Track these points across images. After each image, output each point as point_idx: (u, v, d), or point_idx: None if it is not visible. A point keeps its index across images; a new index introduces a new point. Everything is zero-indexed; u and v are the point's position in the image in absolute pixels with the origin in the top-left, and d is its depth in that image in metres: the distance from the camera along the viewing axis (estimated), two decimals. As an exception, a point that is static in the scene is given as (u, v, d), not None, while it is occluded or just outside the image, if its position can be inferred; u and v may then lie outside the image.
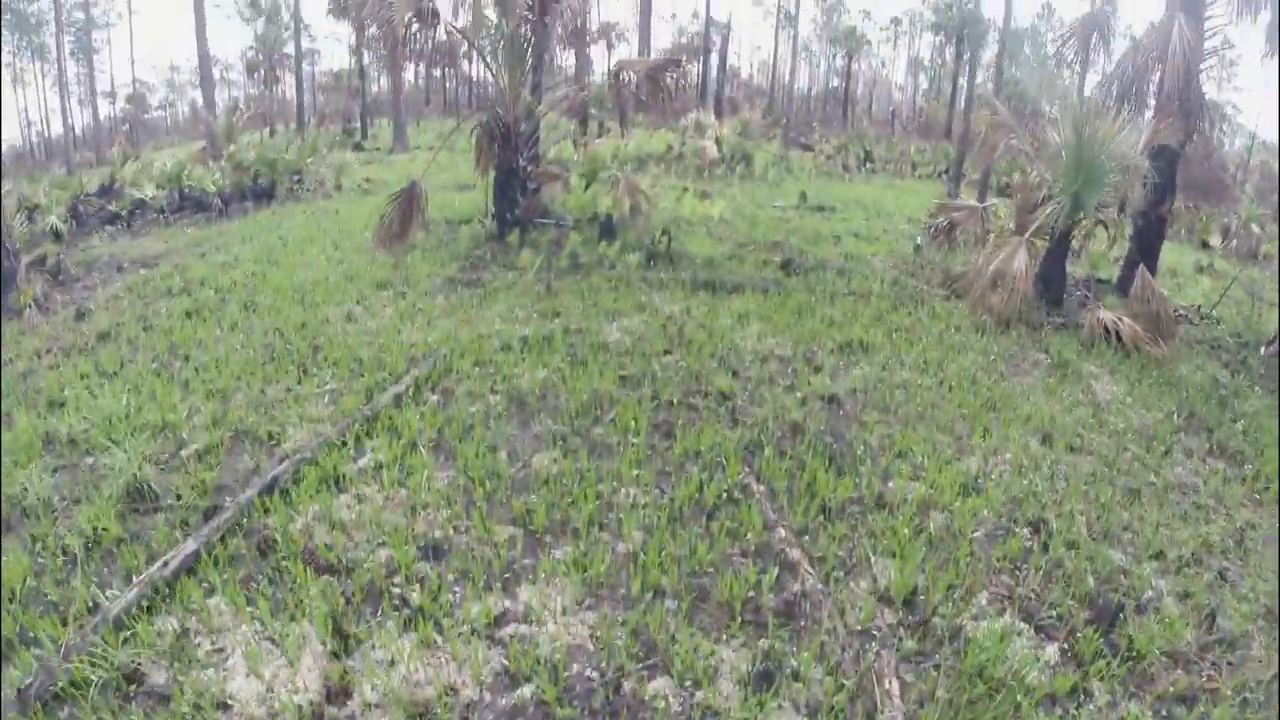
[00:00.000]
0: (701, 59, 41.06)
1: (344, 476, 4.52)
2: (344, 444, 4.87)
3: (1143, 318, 8.27)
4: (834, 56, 55.39)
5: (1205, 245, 19.58)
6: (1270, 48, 10.40)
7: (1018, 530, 4.46)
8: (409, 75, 44.58)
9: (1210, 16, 10.15)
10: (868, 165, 25.68)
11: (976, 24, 24.64)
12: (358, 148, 25.51)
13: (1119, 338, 8.01)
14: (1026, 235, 8.75)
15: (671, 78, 10.74)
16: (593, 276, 8.92)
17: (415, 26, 10.00)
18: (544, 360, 6.35)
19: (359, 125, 30.60)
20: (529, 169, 11.05)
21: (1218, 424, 6.55)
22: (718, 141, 19.99)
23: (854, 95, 52.25)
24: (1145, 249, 10.38)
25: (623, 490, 4.50)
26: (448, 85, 49.06)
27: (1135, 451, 5.74)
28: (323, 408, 5.47)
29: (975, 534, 4.35)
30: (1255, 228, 20.53)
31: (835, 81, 56.09)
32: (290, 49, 35.71)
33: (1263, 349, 9.51)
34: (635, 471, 4.67)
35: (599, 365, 6.25)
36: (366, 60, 35.73)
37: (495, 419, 5.31)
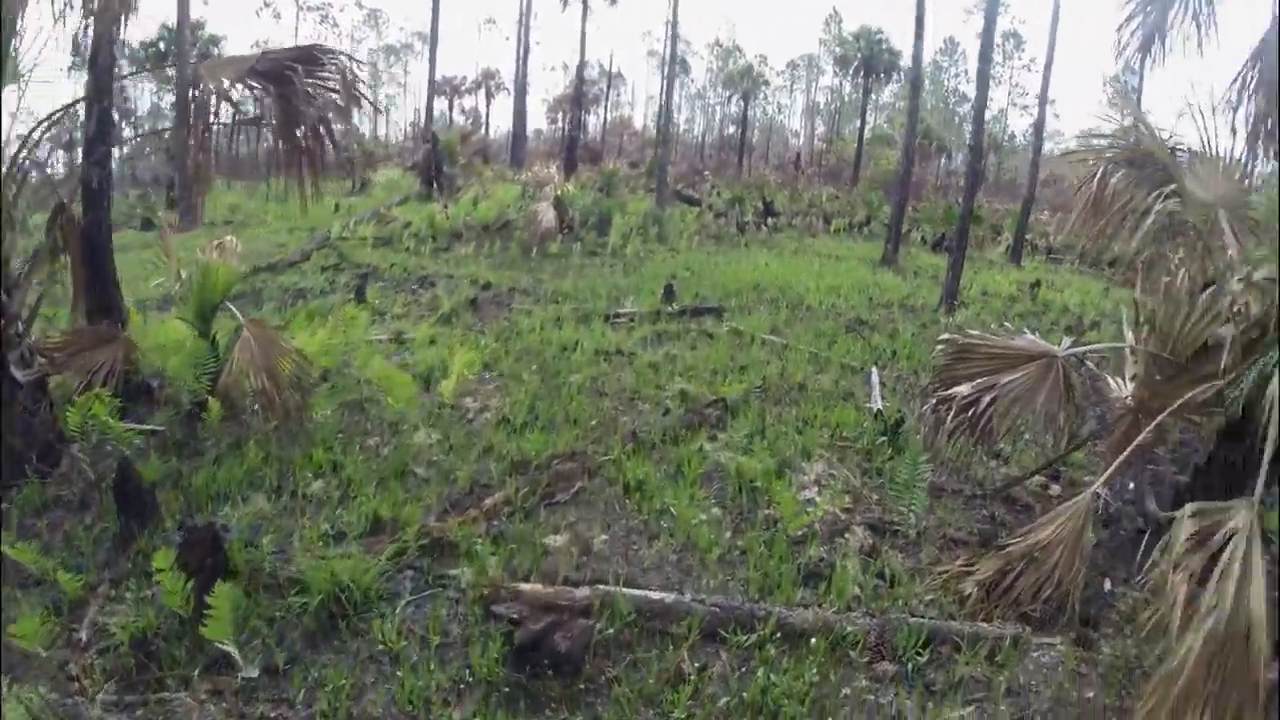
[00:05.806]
0: (572, 108, 36.26)
1: None
2: None
3: None
4: (729, 100, 52.04)
5: None
6: None
7: None
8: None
9: None
10: (769, 221, 20.38)
11: (885, 54, 20.22)
12: (148, 225, 17.70)
13: None
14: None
15: (320, 78, 4.99)
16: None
17: None
18: None
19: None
20: (21, 332, 4.77)
21: None
22: (558, 202, 14.34)
23: (750, 142, 48.61)
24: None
25: None
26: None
27: None
28: None
29: None
30: None
31: (730, 129, 52.56)
32: None
33: None
34: None
35: None
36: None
37: None
